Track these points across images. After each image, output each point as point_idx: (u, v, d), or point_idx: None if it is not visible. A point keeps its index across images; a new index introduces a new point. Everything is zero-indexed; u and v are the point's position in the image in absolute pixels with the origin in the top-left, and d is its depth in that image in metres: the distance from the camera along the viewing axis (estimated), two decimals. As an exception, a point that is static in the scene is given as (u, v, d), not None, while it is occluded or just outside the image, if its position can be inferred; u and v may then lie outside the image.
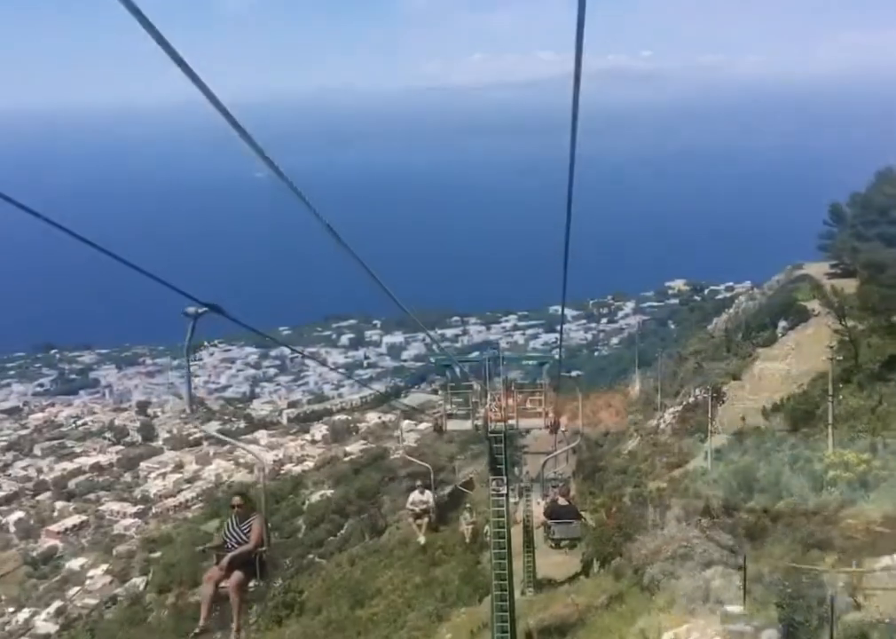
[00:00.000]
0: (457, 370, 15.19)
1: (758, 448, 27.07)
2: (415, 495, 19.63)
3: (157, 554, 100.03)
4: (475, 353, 17.02)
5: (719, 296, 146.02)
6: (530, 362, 15.77)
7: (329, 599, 32.25)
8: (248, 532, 9.58)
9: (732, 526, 14.78)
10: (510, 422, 13.99)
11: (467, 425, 14.45)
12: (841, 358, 29.94)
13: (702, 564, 14.02)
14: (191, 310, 6.35)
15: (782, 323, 46.87)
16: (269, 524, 9.60)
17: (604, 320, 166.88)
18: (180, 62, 3.18)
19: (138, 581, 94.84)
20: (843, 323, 35.42)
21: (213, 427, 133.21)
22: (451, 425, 14.52)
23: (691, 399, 43.89)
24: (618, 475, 40.48)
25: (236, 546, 9.52)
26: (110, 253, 4.94)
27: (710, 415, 33.74)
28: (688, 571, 14.10)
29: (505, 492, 13.70)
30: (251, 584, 9.37)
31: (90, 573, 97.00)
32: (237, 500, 10.09)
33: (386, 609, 27.29)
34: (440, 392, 15.30)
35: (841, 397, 27.02)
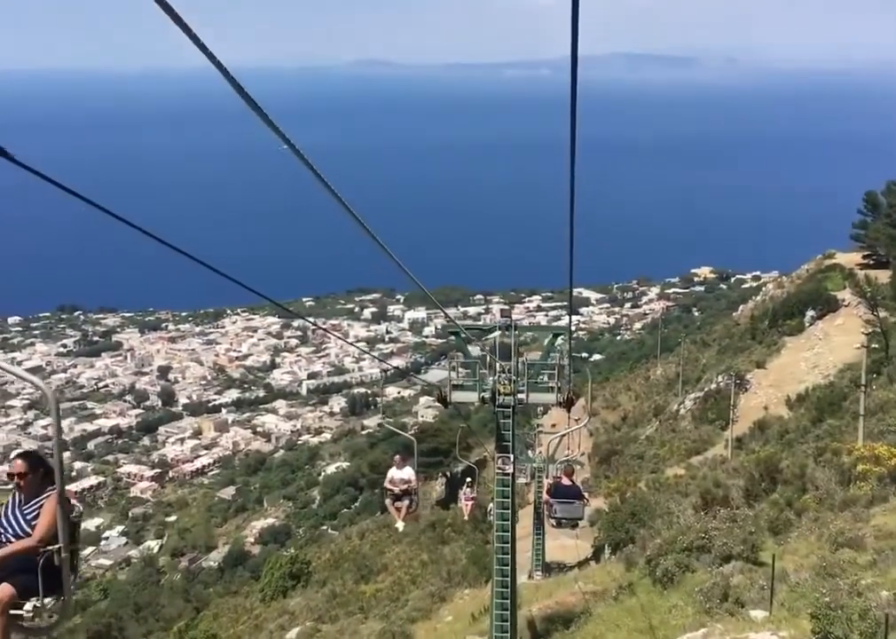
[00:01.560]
0: (472, 348, 14.40)
1: (780, 438, 26.30)
2: (393, 472, 15.86)
3: (172, 518, 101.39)
4: (497, 333, 14.81)
5: (746, 285, 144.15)
6: (544, 333, 14.94)
7: (336, 573, 32.11)
8: (34, 518, 6.12)
9: (754, 518, 13.90)
10: (520, 396, 13.19)
11: (473, 397, 13.64)
12: (877, 345, 28.77)
13: (720, 558, 13.05)
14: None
15: (810, 312, 45.63)
16: (79, 508, 6.13)
17: (628, 305, 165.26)
18: (197, 41, 3.10)
19: (153, 544, 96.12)
20: (875, 313, 34.33)
21: (233, 394, 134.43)
22: (457, 397, 13.70)
23: (713, 386, 42.86)
24: (635, 460, 39.74)
25: (11, 540, 6.07)
26: (125, 220, 4.58)
27: (732, 403, 32.87)
28: (705, 565, 13.22)
29: (511, 470, 12.94)
30: (28, 606, 5.75)
31: (106, 534, 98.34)
32: (19, 465, 6.23)
33: (391, 585, 26.98)
34: (450, 363, 14.16)
35: (874, 388, 26.08)
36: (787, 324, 45.84)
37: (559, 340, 14.38)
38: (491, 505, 23.94)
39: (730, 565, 12.54)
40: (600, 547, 24.50)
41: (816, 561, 10.94)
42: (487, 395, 13.23)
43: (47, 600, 5.81)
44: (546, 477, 20.04)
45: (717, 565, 12.92)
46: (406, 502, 15.44)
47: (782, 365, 41.10)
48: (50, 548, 5.79)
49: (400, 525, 16.50)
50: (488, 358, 13.42)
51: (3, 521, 6.24)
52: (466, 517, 26.15)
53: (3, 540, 6.14)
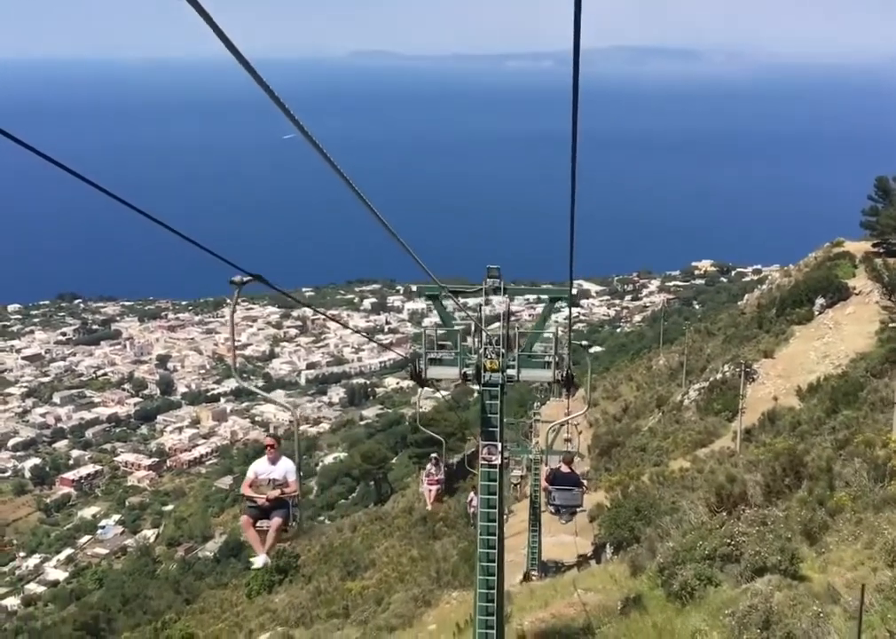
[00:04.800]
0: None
1: (792, 430, 24.93)
2: (259, 468, 9.63)
3: (169, 507, 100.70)
4: (496, 325, 12.42)
5: (746, 279, 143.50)
6: (541, 296, 12.67)
7: (323, 568, 30.85)
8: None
9: (784, 521, 11.74)
10: (510, 372, 11.02)
11: (454, 373, 11.29)
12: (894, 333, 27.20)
13: (750, 571, 10.86)
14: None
15: (820, 300, 44.15)
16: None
17: (628, 297, 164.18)
18: (213, 25, 3.05)
19: (149, 533, 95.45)
20: (892, 299, 32.82)
21: (231, 383, 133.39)
22: (434, 372, 11.33)
23: (718, 376, 41.51)
24: (637, 452, 38.39)
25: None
26: (140, 210, 4.55)
27: (741, 392, 31.44)
28: (732, 577, 11.07)
29: (498, 461, 10.81)
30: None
31: (102, 523, 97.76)
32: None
33: (377, 583, 25.58)
34: (425, 333, 11.72)
35: (887, 378, 24.74)
36: (795, 312, 44.29)
37: (558, 306, 12.34)
38: (471, 494, 21.79)
39: (764, 579, 10.38)
40: (600, 545, 23.06)
41: (867, 574, 8.99)
42: (471, 371, 11.12)
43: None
44: (546, 465, 19.18)
45: (747, 579, 10.86)
46: (278, 520, 9.23)
47: (791, 354, 39.64)
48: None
49: (259, 561, 9.47)
50: (472, 325, 11.45)
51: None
52: (429, 507, 20.92)
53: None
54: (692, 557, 11.74)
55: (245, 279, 6.05)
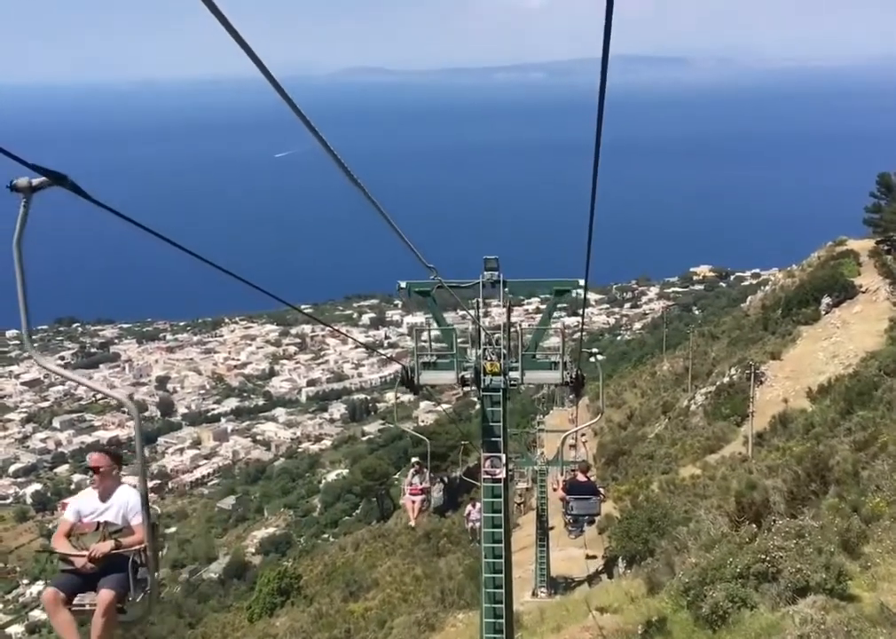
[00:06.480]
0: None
1: (806, 432, 24.12)
2: (82, 504, 6.32)
3: (172, 529, 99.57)
4: (497, 335, 11.09)
5: (745, 283, 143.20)
6: (547, 290, 11.38)
7: (325, 588, 29.92)
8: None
9: (821, 531, 10.40)
10: (513, 374, 9.79)
11: (450, 377, 10.10)
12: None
13: (791, 590, 9.45)
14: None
15: (826, 300, 43.39)
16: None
17: (627, 305, 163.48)
18: (238, 39, 3.09)
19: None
20: (903, 294, 32.16)
21: (232, 403, 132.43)
22: (428, 377, 10.22)
23: (725, 379, 40.72)
24: (644, 460, 37.50)
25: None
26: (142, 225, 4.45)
27: (752, 395, 30.61)
28: (770, 598, 9.56)
29: (502, 475, 9.56)
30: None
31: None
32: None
33: (380, 604, 24.61)
34: (417, 333, 10.62)
35: (898, 378, 23.97)
36: (801, 312, 43.54)
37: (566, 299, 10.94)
38: (468, 507, 20.69)
39: (808, 601, 9.07)
40: (612, 558, 22.08)
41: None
42: (469, 374, 9.96)
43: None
44: (562, 475, 18.97)
45: (787, 601, 9.44)
46: (108, 593, 5.53)
47: (799, 355, 38.83)
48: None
49: None
50: (470, 325, 10.29)
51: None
52: (412, 522, 18.18)
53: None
54: (721, 576, 10.49)
55: (36, 181, 3.99)
